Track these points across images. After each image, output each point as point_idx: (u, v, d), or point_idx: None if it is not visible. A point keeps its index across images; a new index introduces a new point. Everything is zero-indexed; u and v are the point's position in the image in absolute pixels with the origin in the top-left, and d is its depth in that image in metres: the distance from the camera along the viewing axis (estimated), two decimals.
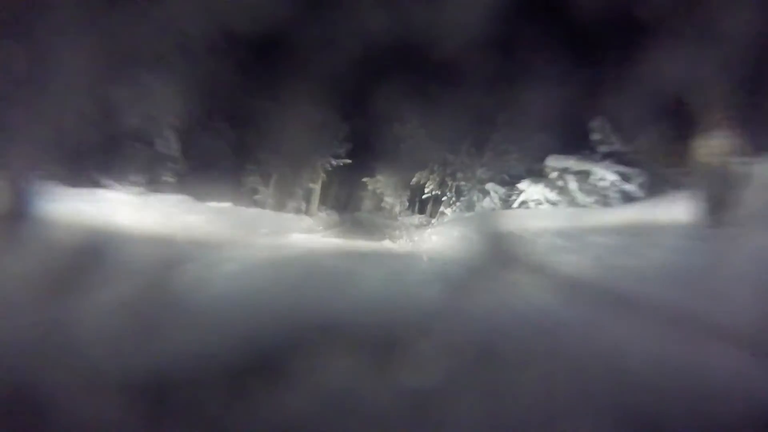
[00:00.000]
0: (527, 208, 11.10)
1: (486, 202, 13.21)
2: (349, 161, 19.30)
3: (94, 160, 10.04)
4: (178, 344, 2.32)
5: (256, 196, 17.43)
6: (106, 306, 2.86)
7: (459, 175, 14.41)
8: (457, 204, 14.51)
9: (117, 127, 9.60)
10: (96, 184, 9.55)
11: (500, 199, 13.17)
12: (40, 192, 5.69)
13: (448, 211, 14.60)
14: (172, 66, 10.12)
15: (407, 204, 22.68)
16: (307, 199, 21.57)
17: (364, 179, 25.59)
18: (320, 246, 7.49)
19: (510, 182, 13.35)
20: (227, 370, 2.04)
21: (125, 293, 3.17)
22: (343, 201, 28.83)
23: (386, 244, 9.53)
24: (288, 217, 17.36)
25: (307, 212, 21.42)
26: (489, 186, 13.68)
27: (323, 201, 25.13)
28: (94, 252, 4.35)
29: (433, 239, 10.94)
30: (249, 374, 2.02)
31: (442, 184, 15.46)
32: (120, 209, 7.19)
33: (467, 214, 13.22)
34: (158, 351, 2.22)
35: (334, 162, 19.37)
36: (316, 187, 21.91)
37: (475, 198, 13.67)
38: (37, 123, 5.97)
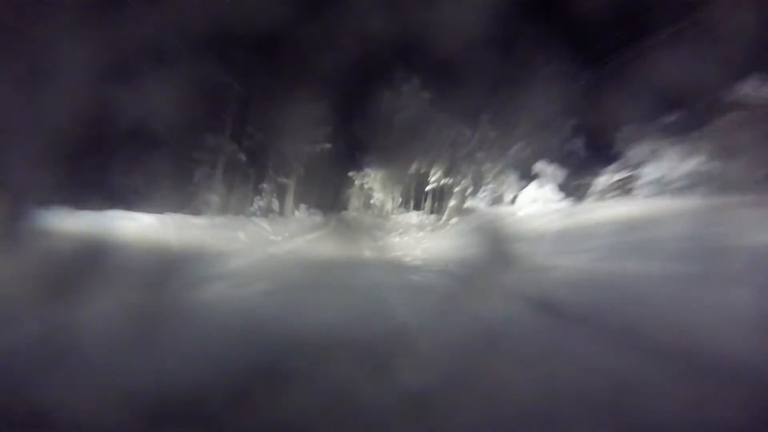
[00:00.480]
0: (661, 198, 6.12)
1: (533, 191, 8.87)
2: (328, 145, 15.17)
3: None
4: (179, 351, 2.39)
5: (208, 195, 13.21)
6: (105, 315, 2.91)
7: (479, 155, 10.27)
8: (479, 196, 10.38)
9: None
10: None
11: (560, 186, 8.71)
12: (38, 203, 5.84)
13: (466, 204, 10.49)
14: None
15: (401, 200, 18.73)
16: (281, 198, 17.67)
17: (351, 173, 21.82)
18: (306, 255, 7.44)
19: (572, 162, 9.02)
20: (226, 376, 2.11)
21: (123, 303, 3.22)
22: (329, 198, 25.02)
23: (376, 250, 8.65)
24: (253, 221, 13.54)
25: (281, 213, 17.55)
26: (539, 167, 9.29)
27: (303, 199, 21.30)
28: (89, 264, 4.42)
29: (436, 242, 8.86)
30: (247, 380, 2.09)
31: (451, 171, 11.40)
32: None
33: (491, 209, 9.22)
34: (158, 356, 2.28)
35: (310, 148, 15.25)
36: (291, 182, 17.98)
37: (505, 187, 9.61)
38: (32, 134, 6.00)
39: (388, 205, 19.16)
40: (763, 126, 5.46)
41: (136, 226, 7.79)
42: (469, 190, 10.80)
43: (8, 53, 5.99)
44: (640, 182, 6.56)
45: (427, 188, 13.23)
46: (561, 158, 9.14)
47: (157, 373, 2.10)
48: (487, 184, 10.14)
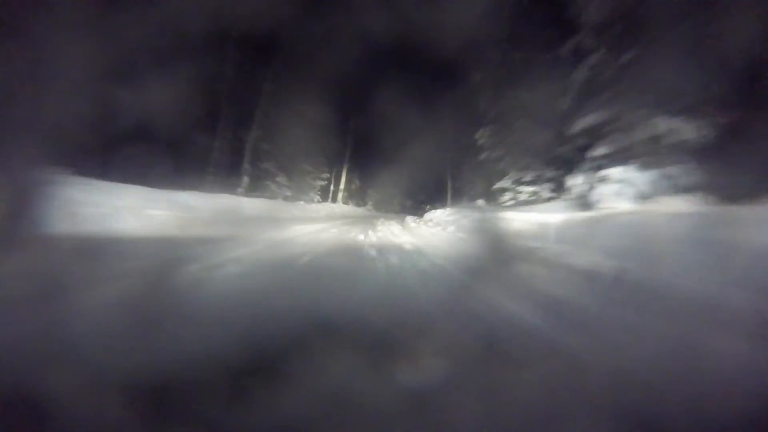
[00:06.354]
0: (663, 199, 5.65)
1: (534, 190, 8.53)
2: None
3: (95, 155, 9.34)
4: (179, 344, 2.38)
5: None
6: (106, 306, 2.92)
7: (481, 153, 10.01)
8: (480, 194, 10.31)
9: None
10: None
11: (561, 186, 8.03)
12: (40, 190, 5.68)
13: (468, 201, 10.41)
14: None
15: (396, 195, 18.69)
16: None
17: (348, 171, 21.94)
18: (319, 243, 7.51)
19: (572, 161, 8.73)
20: (227, 370, 2.08)
21: (126, 293, 3.27)
22: (326, 194, 25.17)
23: (389, 237, 8.94)
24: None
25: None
26: (541, 167, 8.54)
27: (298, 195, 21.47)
28: (94, 251, 4.61)
29: (434, 238, 8.93)
30: (249, 374, 2.07)
31: (453, 169, 11.23)
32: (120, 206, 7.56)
33: (492, 206, 9.22)
34: (158, 350, 2.27)
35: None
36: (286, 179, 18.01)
37: (507, 185, 9.44)
38: (38, 120, 5.87)
39: (383, 199, 19.19)
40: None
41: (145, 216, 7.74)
42: (471, 188, 10.79)
43: (8, 51, 5.93)
44: (639, 183, 6.51)
45: (426, 186, 13.25)
46: (562, 158, 8.99)
47: (157, 368, 2.05)
48: (488, 182, 10.12)
